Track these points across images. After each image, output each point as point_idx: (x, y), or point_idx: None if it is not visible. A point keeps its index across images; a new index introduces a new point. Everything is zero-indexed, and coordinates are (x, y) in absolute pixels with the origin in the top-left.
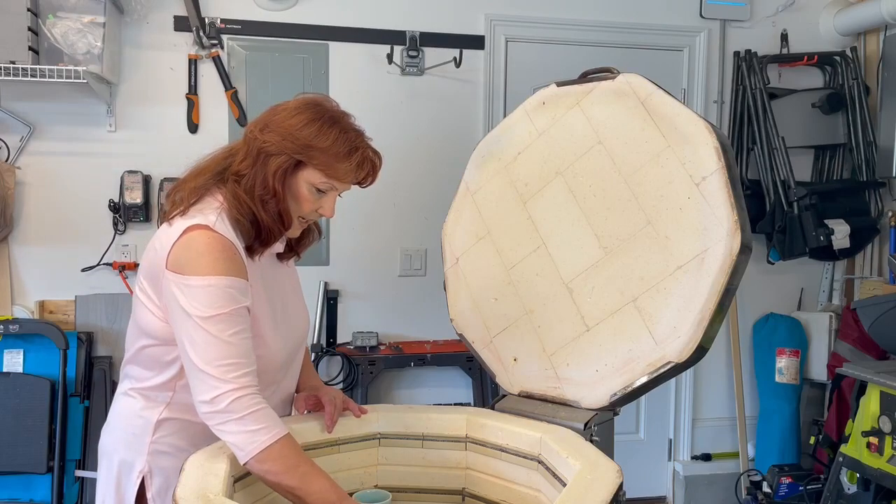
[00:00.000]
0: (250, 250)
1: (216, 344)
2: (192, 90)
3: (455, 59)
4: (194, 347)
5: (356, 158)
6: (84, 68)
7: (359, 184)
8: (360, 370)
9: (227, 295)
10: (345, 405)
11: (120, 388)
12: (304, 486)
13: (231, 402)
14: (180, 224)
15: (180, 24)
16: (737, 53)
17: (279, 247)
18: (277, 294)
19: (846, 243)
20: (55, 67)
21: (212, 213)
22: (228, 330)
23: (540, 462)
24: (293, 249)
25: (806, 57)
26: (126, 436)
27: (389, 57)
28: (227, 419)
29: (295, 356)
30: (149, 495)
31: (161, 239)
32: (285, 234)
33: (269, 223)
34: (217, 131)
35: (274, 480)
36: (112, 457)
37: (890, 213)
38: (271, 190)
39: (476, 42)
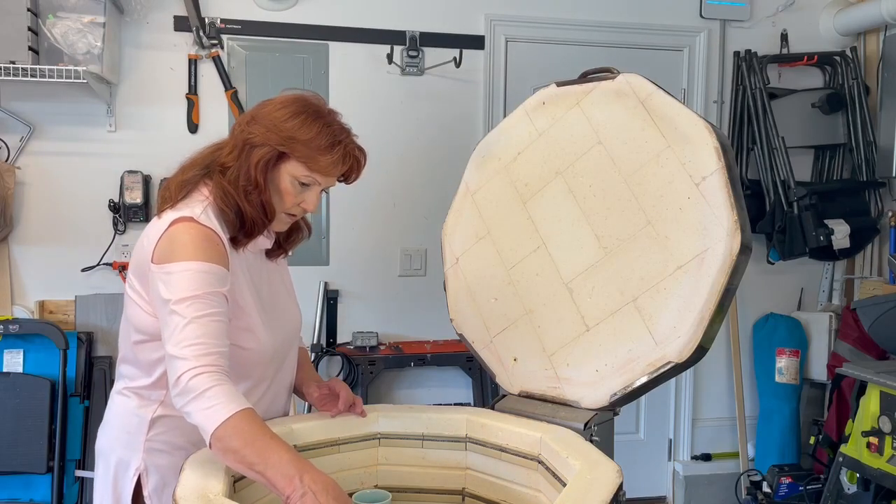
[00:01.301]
0: (235, 241)
1: (184, 325)
2: (192, 90)
3: (455, 59)
4: (166, 333)
5: (338, 151)
6: (84, 68)
7: (343, 180)
8: (360, 370)
9: (203, 279)
10: (353, 399)
11: (115, 388)
12: (262, 461)
13: (190, 381)
14: (168, 217)
15: (180, 24)
16: (737, 53)
17: (266, 243)
18: (266, 289)
19: (846, 243)
20: (55, 67)
21: (198, 206)
22: (199, 311)
23: (540, 462)
24: (282, 247)
25: (806, 57)
26: (121, 434)
27: (389, 57)
28: (188, 399)
29: (287, 352)
30: (145, 493)
31: (149, 234)
32: (270, 227)
33: (252, 215)
34: (217, 131)
35: (235, 460)
36: (108, 456)
37: (890, 213)
38: (254, 181)
39: (476, 42)
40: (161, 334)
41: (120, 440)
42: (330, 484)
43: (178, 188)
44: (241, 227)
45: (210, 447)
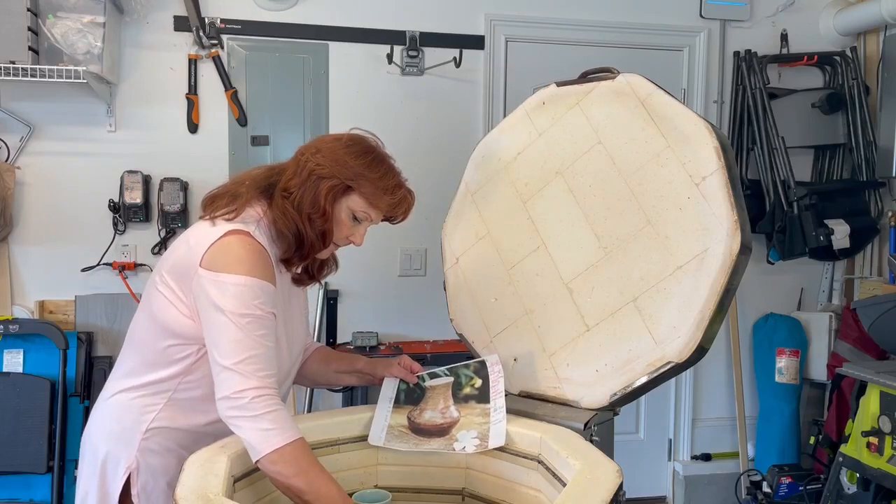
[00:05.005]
0: (288, 262)
1: (244, 341)
2: (192, 90)
3: (455, 59)
4: (222, 343)
5: (399, 195)
6: (84, 68)
7: (390, 219)
8: None
9: (259, 298)
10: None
11: (114, 384)
12: (312, 491)
13: (250, 401)
14: (222, 227)
15: (180, 24)
16: (737, 53)
17: (297, 270)
18: (288, 313)
19: (846, 243)
20: (55, 67)
21: (252, 223)
22: (258, 331)
23: (540, 462)
24: (312, 276)
25: (806, 57)
26: (115, 430)
27: (389, 57)
28: (244, 415)
29: (290, 369)
30: (133, 492)
31: (197, 237)
32: (321, 252)
33: (311, 238)
34: (217, 131)
35: (283, 482)
36: (98, 449)
37: (890, 213)
38: (321, 209)
39: (476, 42)
40: (208, 338)
41: (115, 435)
42: None
43: (231, 200)
44: (298, 249)
45: (256, 463)
